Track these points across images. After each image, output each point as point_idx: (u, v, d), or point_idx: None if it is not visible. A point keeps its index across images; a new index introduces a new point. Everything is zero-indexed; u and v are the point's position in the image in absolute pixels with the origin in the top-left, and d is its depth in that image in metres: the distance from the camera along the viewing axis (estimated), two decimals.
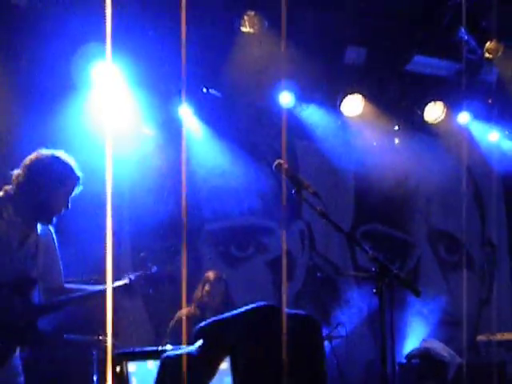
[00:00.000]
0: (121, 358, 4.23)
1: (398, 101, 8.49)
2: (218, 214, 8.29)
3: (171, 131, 7.59)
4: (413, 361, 7.93)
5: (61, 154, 4.32)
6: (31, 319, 4.16)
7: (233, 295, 7.31)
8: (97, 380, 5.72)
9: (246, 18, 7.09)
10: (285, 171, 3.79)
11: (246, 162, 8.25)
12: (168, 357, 3.23)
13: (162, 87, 7.42)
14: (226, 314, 3.75)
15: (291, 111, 8.15)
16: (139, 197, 7.67)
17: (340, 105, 8.20)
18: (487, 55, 7.74)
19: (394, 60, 7.97)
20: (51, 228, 4.43)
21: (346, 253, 8.90)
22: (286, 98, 7.94)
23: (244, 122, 8.32)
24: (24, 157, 4.31)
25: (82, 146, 5.90)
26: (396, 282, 3.54)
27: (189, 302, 6.93)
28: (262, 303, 3.68)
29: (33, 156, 4.28)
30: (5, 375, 4.09)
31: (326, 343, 6.92)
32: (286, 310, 3.81)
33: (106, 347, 5.36)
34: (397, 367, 7.87)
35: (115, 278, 4.47)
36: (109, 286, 2.92)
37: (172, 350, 4.05)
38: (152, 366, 4.25)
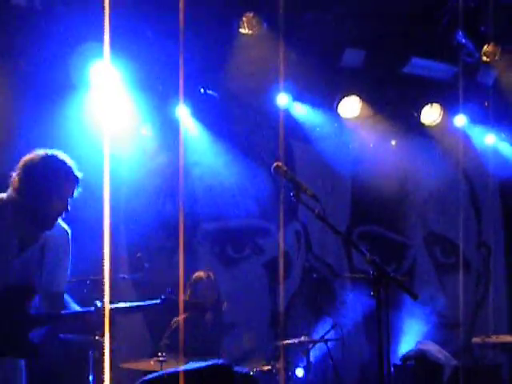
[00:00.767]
0: None
1: (395, 103, 8.50)
2: (215, 214, 8.29)
3: (169, 132, 7.59)
4: (408, 362, 7.95)
5: (58, 154, 4.08)
6: (24, 330, 3.98)
7: (229, 296, 7.31)
8: (93, 380, 5.72)
9: (244, 19, 7.09)
10: (283, 174, 3.81)
11: (242, 162, 8.26)
12: None
13: (159, 88, 7.42)
14: (171, 370, 4.03)
15: (288, 112, 8.16)
16: (136, 197, 7.68)
17: (337, 106, 8.20)
18: (484, 58, 7.75)
19: (391, 62, 7.97)
20: (68, 230, 4.24)
21: (341, 254, 8.92)
22: (283, 100, 7.95)
23: (241, 123, 8.32)
24: (22, 156, 4.16)
25: (79, 146, 5.90)
26: (393, 285, 3.56)
27: None
28: (212, 362, 3.96)
29: (28, 158, 4.06)
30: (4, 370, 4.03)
31: (322, 344, 6.92)
32: (236, 369, 4.07)
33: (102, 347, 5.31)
34: (392, 369, 7.89)
35: (112, 279, 4.42)
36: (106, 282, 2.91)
37: None
38: None
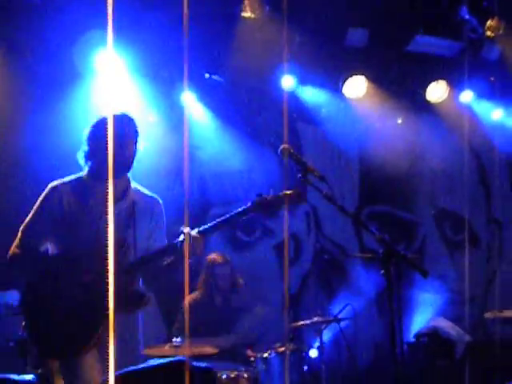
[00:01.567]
0: None
1: (401, 81, 8.48)
2: (224, 198, 8.30)
3: (174, 117, 7.58)
4: (421, 339, 7.98)
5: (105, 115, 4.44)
6: (127, 281, 4.12)
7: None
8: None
9: (246, 2, 7.08)
10: (291, 156, 3.82)
11: (249, 146, 8.27)
12: None
13: (164, 74, 7.42)
14: (140, 366, 4.17)
15: (294, 94, 8.16)
16: (143, 183, 7.69)
17: (342, 87, 8.19)
18: (488, 33, 7.72)
19: (395, 40, 7.95)
20: (160, 200, 4.65)
21: (351, 234, 8.93)
22: (288, 82, 7.95)
23: (247, 107, 8.31)
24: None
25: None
26: (403, 263, 3.57)
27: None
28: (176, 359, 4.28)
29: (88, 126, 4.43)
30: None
31: (335, 324, 6.93)
32: (194, 364, 4.24)
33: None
34: (405, 346, 7.93)
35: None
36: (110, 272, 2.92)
37: None
38: None
